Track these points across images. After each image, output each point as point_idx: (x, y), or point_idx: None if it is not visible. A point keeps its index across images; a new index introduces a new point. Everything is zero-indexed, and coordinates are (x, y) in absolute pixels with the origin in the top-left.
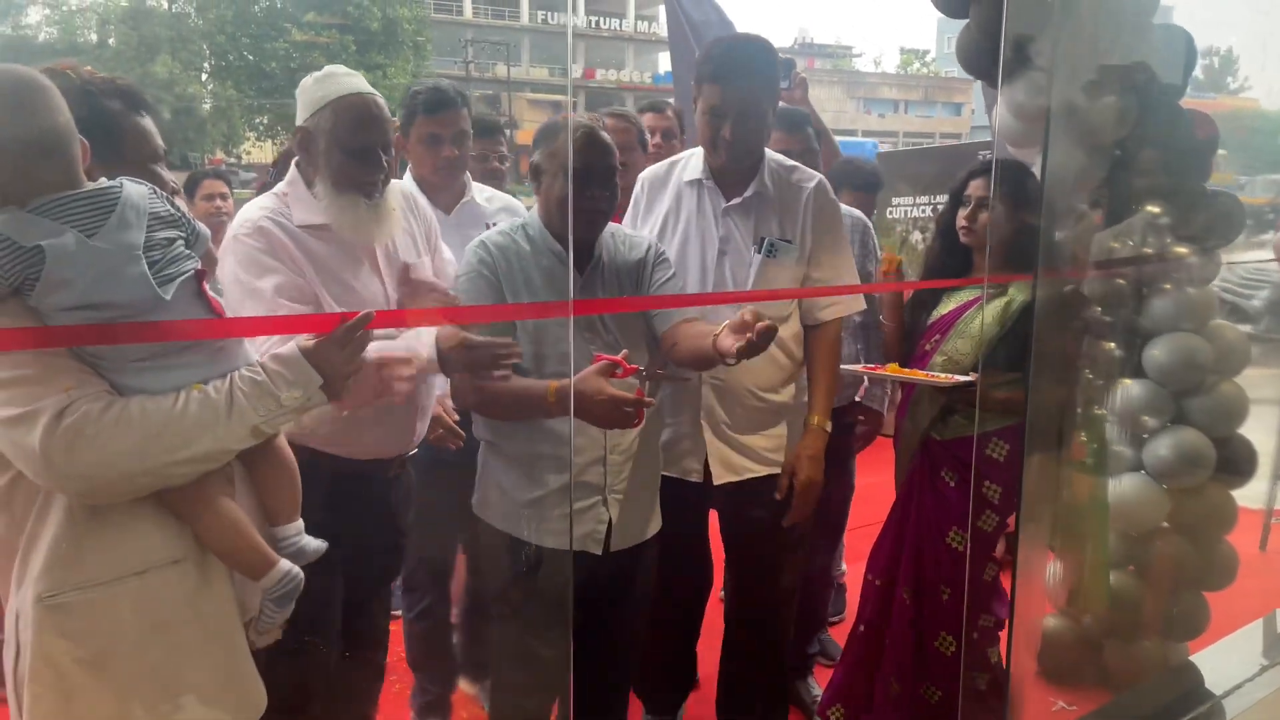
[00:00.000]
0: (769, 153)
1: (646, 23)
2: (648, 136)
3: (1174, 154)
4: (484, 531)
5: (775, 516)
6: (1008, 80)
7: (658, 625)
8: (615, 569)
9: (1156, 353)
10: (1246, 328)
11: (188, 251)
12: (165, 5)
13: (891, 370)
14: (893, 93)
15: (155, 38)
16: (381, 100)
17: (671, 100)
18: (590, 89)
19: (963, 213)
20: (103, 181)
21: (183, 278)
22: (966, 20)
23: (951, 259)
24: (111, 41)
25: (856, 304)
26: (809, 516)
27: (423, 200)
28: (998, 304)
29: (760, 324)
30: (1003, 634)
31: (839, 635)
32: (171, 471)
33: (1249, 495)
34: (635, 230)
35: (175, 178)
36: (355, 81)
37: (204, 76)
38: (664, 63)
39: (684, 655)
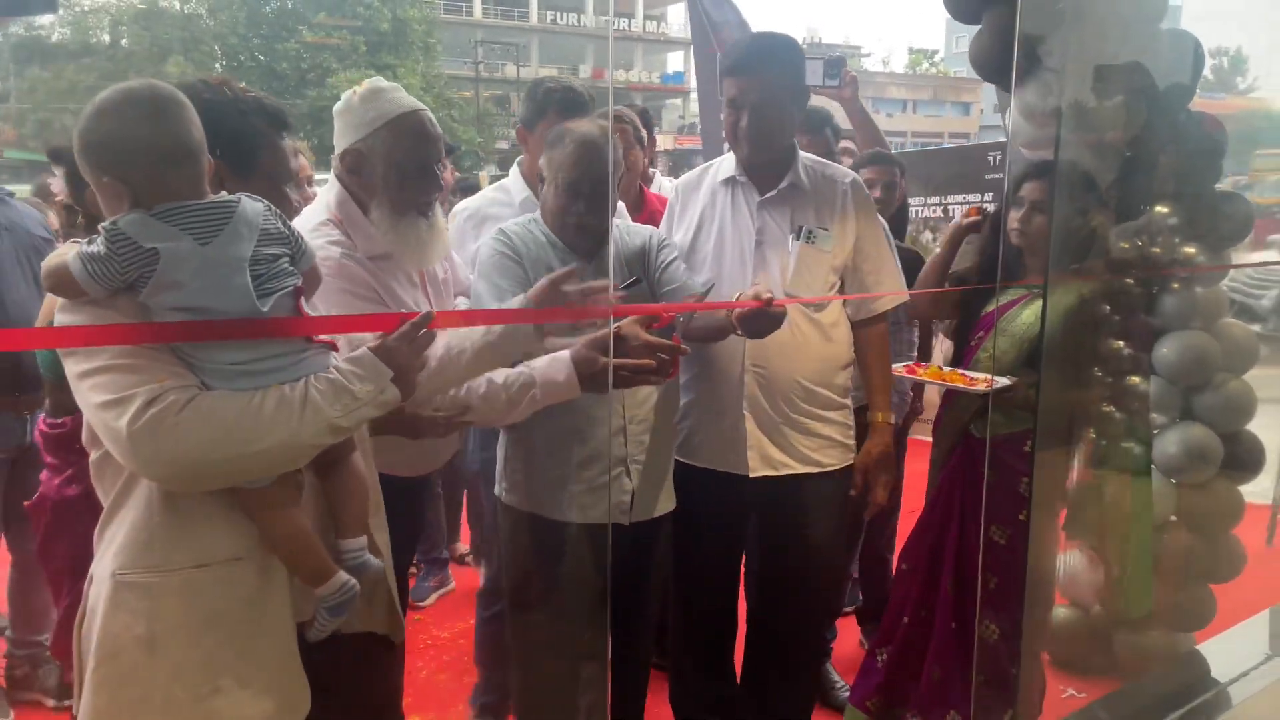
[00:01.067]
0: (801, 151)
1: (655, 22)
2: (643, 133)
3: (1183, 156)
4: (513, 516)
5: (810, 520)
6: (1020, 84)
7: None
8: (636, 540)
9: (1166, 350)
10: (1256, 327)
11: (291, 269)
12: (178, 6)
13: (930, 375)
14: (901, 92)
15: (168, 39)
16: (431, 114)
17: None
18: (598, 89)
19: (1015, 214)
20: (223, 195)
21: (281, 292)
22: (978, 26)
23: (1003, 257)
24: (124, 42)
25: (901, 295)
26: (880, 512)
27: None
28: (1039, 304)
29: (766, 296)
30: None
31: (853, 624)
32: (248, 464)
33: (1256, 491)
34: (671, 235)
35: None
36: (407, 98)
37: None
38: (672, 62)
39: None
